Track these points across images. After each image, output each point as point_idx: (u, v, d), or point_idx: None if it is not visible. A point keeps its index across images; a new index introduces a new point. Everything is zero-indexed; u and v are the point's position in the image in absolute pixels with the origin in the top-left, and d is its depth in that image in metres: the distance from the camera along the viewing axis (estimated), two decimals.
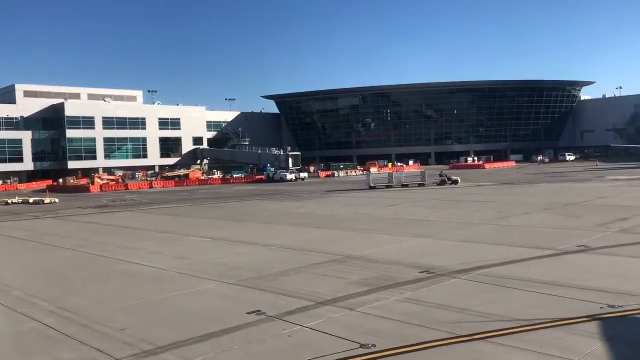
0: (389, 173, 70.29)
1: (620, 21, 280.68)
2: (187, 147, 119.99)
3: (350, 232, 29.85)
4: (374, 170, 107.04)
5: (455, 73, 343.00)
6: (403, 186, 63.14)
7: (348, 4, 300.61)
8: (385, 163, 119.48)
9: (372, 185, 63.03)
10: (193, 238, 30.03)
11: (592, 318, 13.35)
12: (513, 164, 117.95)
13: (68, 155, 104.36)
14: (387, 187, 62.77)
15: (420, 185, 63.52)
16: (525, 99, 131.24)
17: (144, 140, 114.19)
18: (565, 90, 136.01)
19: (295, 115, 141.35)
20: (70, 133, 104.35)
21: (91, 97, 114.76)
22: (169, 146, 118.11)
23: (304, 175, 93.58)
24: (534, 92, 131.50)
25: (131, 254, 25.44)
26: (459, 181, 64.00)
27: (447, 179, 63.92)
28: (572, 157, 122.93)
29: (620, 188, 51.34)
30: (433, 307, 14.81)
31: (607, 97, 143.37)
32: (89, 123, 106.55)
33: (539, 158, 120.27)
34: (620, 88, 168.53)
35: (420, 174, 67.51)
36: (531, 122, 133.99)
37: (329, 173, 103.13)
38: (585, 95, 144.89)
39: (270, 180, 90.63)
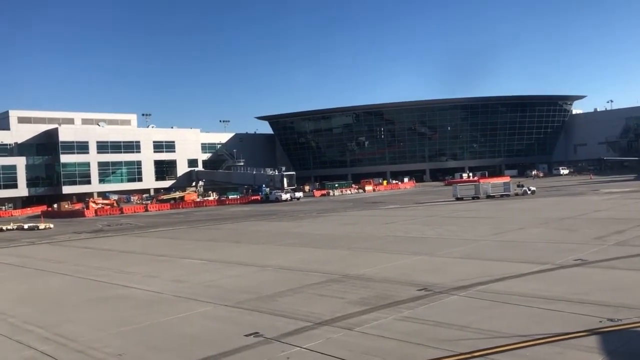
0: (474, 184, 71.73)
1: (609, 35, 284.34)
2: (182, 169, 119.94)
3: (347, 250, 29.77)
4: (369, 187, 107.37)
5: (448, 90, 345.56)
6: (488, 197, 64.66)
7: (340, 23, 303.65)
8: (380, 181, 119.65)
9: (459, 196, 64.68)
10: (189, 260, 29.88)
11: (592, 332, 13.31)
12: (507, 178, 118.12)
13: (62, 180, 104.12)
14: (474, 198, 64.43)
15: (502, 195, 65.16)
16: (518, 114, 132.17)
17: (139, 163, 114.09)
18: (557, 104, 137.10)
19: (289, 135, 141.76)
20: (64, 158, 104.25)
21: (85, 121, 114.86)
22: (164, 169, 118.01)
23: (299, 194, 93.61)
24: (526, 107, 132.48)
25: (127, 278, 25.28)
26: (535, 190, 67.34)
27: (527, 189, 66.98)
28: (566, 171, 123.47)
29: (615, 201, 51.51)
30: (432, 325, 14.74)
31: (598, 110, 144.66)
32: (82, 147, 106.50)
33: (533, 172, 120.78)
34: (611, 101, 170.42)
35: (503, 185, 69.46)
36: (524, 137, 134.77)
37: (324, 192, 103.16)
38: (576, 109, 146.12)
39: (266, 200, 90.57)
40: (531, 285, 18.78)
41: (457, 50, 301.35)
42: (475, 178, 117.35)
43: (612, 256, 23.07)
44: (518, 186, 68.25)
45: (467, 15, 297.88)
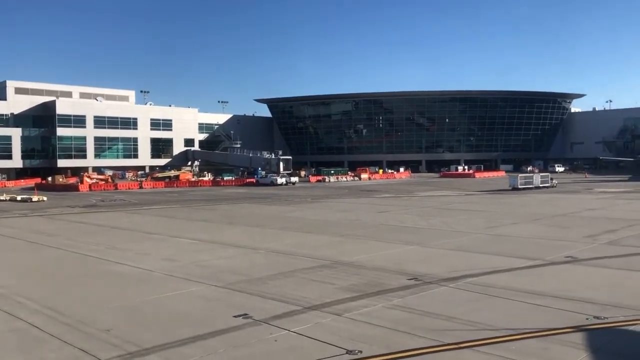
0: (525, 175, 75.69)
1: (611, 35, 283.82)
2: (178, 148, 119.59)
3: (340, 237, 29.85)
4: (364, 176, 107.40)
5: (447, 83, 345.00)
6: (536, 187, 68.71)
7: (343, 10, 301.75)
8: (376, 169, 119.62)
9: (518, 186, 67.70)
10: (181, 240, 29.91)
11: (578, 329, 13.43)
12: (503, 173, 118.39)
13: (58, 153, 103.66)
14: (524, 188, 67.55)
15: (543, 187, 69.61)
16: (517, 110, 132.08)
17: (135, 140, 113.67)
18: (555, 102, 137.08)
19: (287, 120, 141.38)
20: (61, 131, 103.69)
21: (83, 95, 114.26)
22: (160, 147, 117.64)
23: (294, 179, 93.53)
24: (525, 103, 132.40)
25: (119, 255, 25.29)
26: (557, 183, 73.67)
27: (554, 182, 73.16)
28: (561, 169, 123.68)
29: (608, 200, 51.73)
30: (420, 315, 14.85)
31: (596, 110, 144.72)
32: (79, 121, 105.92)
33: (529, 168, 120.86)
34: (610, 101, 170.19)
35: (542, 177, 73.90)
36: (522, 132, 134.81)
37: (320, 178, 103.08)
38: (575, 107, 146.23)
39: (261, 183, 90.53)
40: (521, 279, 18.91)
41: (458, 43, 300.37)
42: (471, 171, 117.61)
43: (602, 255, 23.22)
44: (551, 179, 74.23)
45: (467, 10, 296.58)
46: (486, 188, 72.01)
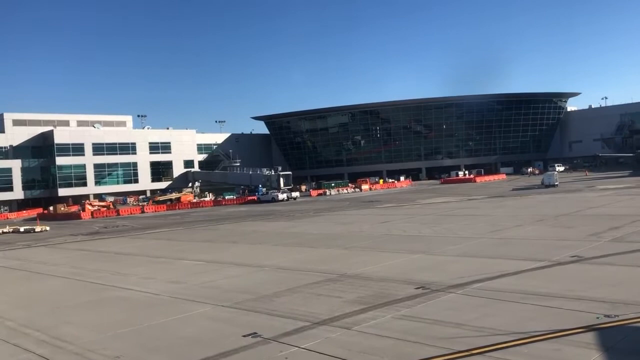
0: (548, 173, 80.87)
1: (603, 33, 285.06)
2: (178, 170, 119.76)
3: (344, 250, 29.78)
4: (365, 186, 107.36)
5: (444, 88, 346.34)
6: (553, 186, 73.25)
7: (336, 24, 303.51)
8: (376, 180, 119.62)
9: (555, 183, 72.67)
10: (186, 262, 29.85)
11: (589, 328, 13.35)
12: (503, 176, 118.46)
13: (58, 182, 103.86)
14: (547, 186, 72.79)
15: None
16: (513, 112, 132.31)
17: (135, 165, 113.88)
18: (551, 102, 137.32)
19: (285, 135, 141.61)
20: (60, 160, 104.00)
21: (80, 123, 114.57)
22: (160, 170, 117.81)
23: (295, 194, 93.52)
24: (521, 104, 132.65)
25: (124, 280, 25.24)
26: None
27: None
28: (561, 168, 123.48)
29: (610, 197, 51.65)
30: (430, 323, 14.77)
31: (593, 107, 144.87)
32: (78, 149, 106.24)
33: (529, 170, 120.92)
34: (606, 98, 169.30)
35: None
36: (520, 134, 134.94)
37: (321, 191, 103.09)
38: (571, 106, 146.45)
39: (262, 200, 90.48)
40: (528, 282, 18.84)
41: (452, 49, 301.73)
42: (472, 176, 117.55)
43: (608, 252, 23.14)
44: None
45: (460, 14, 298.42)
46: (492, 192, 71.86)
